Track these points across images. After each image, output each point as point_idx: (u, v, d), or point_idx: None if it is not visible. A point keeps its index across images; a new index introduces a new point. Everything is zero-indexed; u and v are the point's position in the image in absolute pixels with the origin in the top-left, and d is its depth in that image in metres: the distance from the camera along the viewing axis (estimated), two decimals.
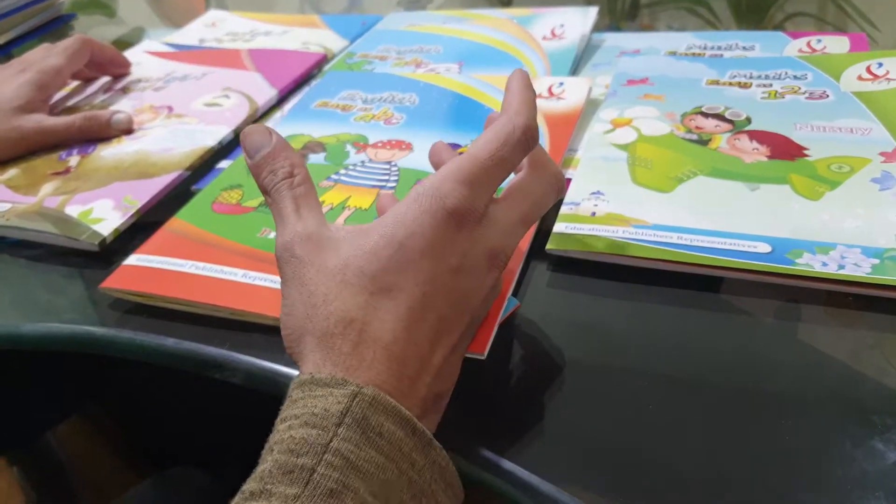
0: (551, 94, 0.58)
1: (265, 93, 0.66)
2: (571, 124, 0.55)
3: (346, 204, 0.50)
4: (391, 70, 0.69)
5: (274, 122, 0.64)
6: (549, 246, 0.44)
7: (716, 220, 0.44)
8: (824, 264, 0.40)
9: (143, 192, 0.54)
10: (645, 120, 0.54)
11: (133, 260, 0.48)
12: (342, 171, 0.53)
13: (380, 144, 0.56)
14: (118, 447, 0.85)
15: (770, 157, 0.48)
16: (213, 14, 0.91)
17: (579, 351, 0.40)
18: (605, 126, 0.55)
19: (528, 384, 0.38)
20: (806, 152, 0.48)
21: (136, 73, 0.74)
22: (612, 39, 0.70)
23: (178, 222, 0.51)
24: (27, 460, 0.82)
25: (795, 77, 0.57)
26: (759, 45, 0.64)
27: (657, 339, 0.39)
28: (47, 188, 0.56)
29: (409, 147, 0.55)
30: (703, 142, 0.51)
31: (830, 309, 0.39)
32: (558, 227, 0.46)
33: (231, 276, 0.45)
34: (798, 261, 0.40)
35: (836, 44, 0.62)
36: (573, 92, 0.58)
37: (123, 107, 0.68)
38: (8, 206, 0.55)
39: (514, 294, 0.43)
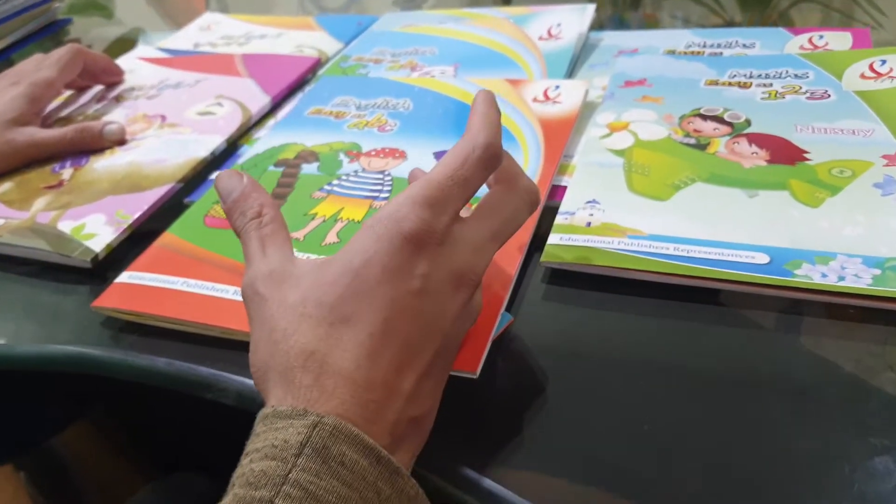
0: (547, 97, 0.57)
1: (258, 100, 0.66)
2: (567, 129, 0.54)
3: (338, 216, 0.49)
4: (386, 74, 0.68)
5: (267, 129, 0.63)
6: (543, 258, 0.44)
7: (713, 229, 0.43)
8: (824, 275, 0.39)
9: (136, 205, 0.54)
10: (642, 124, 0.54)
11: (124, 277, 0.47)
12: (335, 182, 0.53)
13: (373, 153, 0.55)
14: (124, 451, 0.85)
15: (769, 162, 0.47)
16: (208, 17, 0.90)
17: (574, 367, 0.39)
18: (602, 130, 0.54)
19: (519, 402, 0.38)
20: (806, 156, 0.47)
21: (129, 80, 0.74)
22: (609, 38, 0.69)
23: (170, 237, 0.50)
24: (33, 465, 0.82)
25: (796, 76, 0.56)
26: (759, 42, 0.63)
27: (654, 355, 0.39)
28: (40, 203, 0.56)
29: (402, 155, 0.54)
30: (702, 146, 0.50)
31: (831, 321, 0.39)
32: (553, 238, 0.45)
33: (222, 294, 0.44)
34: (797, 272, 0.39)
35: (839, 40, 0.61)
36: (569, 95, 0.57)
37: (117, 116, 0.67)
38: (1, 221, 0.55)
39: (508, 309, 0.42)
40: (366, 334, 0.31)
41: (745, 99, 0.54)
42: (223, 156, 0.61)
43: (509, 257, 0.43)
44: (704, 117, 0.53)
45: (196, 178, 0.58)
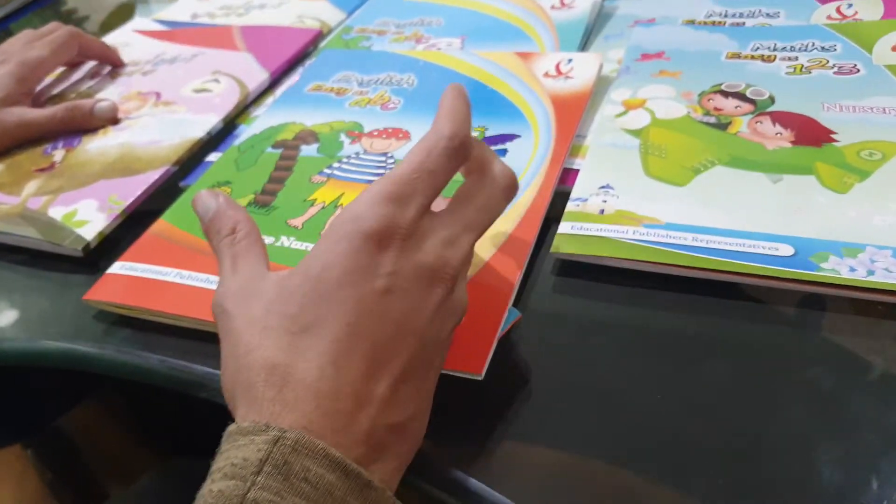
0: (559, 72, 0.55)
1: (256, 76, 0.63)
2: (580, 107, 0.51)
3: (339, 202, 0.47)
4: (389, 46, 0.65)
5: (265, 107, 0.60)
6: (553, 249, 0.41)
7: (734, 217, 0.41)
8: (852, 269, 0.36)
9: (129, 190, 0.52)
10: (659, 101, 0.51)
11: (117, 268, 0.45)
12: (335, 165, 0.50)
13: (375, 133, 0.53)
14: (133, 429, 0.84)
15: (794, 143, 0.45)
16: None
17: (584, 366, 0.37)
18: (617, 108, 0.51)
19: (526, 404, 0.36)
20: (834, 137, 0.44)
21: (124, 55, 0.71)
22: (625, 6, 0.66)
23: (164, 225, 0.48)
24: (41, 444, 0.82)
25: (823, 48, 0.52)
26: (784, 11, 0.59)
27: (671, 353, 0.37)
28: (31, 187, 0.54)
29: (406, 136, 0.52)
30: (723, 125, 0.47)
31: (858, 317, 0.36)
32: (563, 227, 0.42)
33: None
34: (823, 265, 0.37)
35: (869, 8, 0.57)
36: (582, 70, 0.54)
37: (111, 93, 0.65)
38: None
39: (516, 303, 0.40)
40: (329, 341, 0.30)
41: (768, 74, 0.51)
42: (220, 136, 0.58)
43: (517, 252, 0.41)
44: (725, 94, 0.50)
45: (192, 159, 0.56)
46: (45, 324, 0.46)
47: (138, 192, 0.51)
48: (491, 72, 0.56)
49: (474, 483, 0.33)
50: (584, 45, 0.61)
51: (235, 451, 0.27)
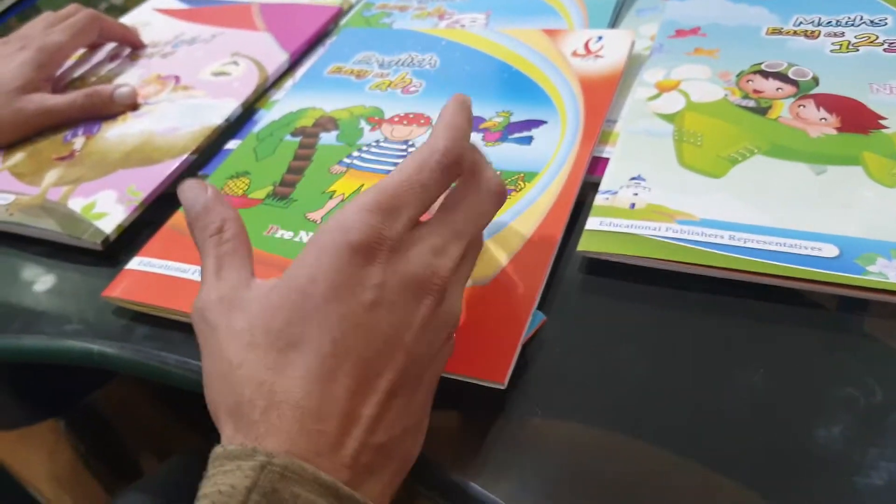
0: (588, 51, 0.52)
1: (276, 58, 0.61)
2: (611, 89, 0.49)
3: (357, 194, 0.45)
4: (411, 23, 0.63)
5: (285, 91, 0.59)
6: (580, 247, 0.39)
7: (774, 213, 0.38)
8: None
9: (148, 181, 0.51)
10: (695, 82, 0.48)
11: (135, 264, 0.45)
12: (355, 154, 0.48)
13: (396, 119, 0.51)
14: (168, 403, 0.84)
15: (840, 130, 0.42)
16: None
17: (610, 370, 0.35)
18: (649, 90, 0.48)
19: (546, 406, 0.34)
20: (882, 122, 0.42)
21: (144, 35, 0.70)
22: None
23: (183, 217, 0.47)
24: (74, 416, 0.82)
25: (872, 22, 0.49)
26: None
27: (706, 361, 0.35)
28: (51, 176, 0.53)
29: (427, 122, 0.50)
30: (762, 110, 0.45)
31: None
32: (591, 223, 0.40)
33: None
34: (870, 268, 0.34)
35: None
36: (613, 48, 0.52)
37: (130, 76, 0.64)
38: (12, 197, 0.53)
39: (541, 304, 0.38)
40: (315, 358, 0.28)
41: (812, 51, 0.48)
42: (239, 122, 0.57)
43: (542, 251, 0.39)
44: (766, 74, 0.47)
45: (210, 147, 0.55)
46: (65, 319, 0.45)
47: (156, 183, 0.51)
48: (517, 51, 0.54)
49: (474, 488, 0.32)
50: (614, 21, 0.58)
51: (222, 478, 0.26)
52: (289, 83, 0.60)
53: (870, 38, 0.48)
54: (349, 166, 0.48)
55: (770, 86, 0.46)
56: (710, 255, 0.37)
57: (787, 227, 0.37)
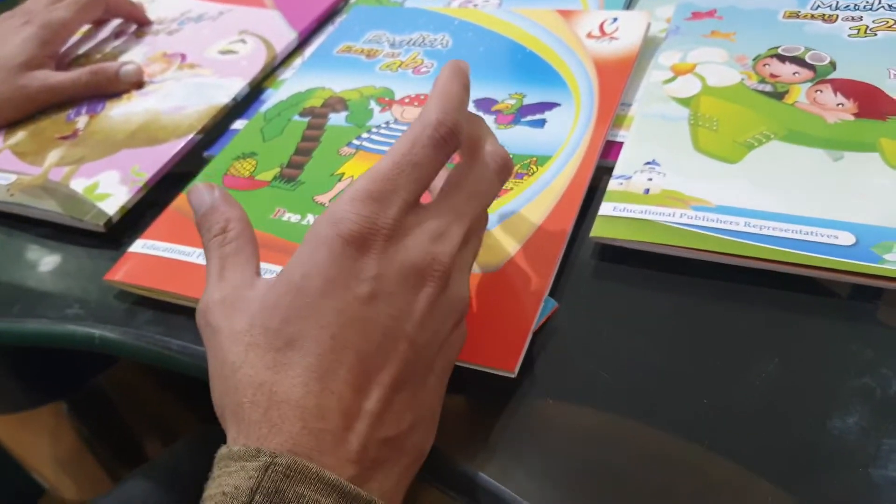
0: (603, 32, 0.51)
1: (284, 36, 0.60)
2: (626, 72, 0.48)
3: None
4: (423, 2, 0.62)
5: (293, 70, 0.58)
6: (593, 233, 0.39)
7: (790, 200, 0.38)
8: None
9: (152, 161, 0.50)
10: (711, 66, 0.47)
11: (138, 246, 0.44)
12: (364, 136, 0.48)
13: (407, 100, 0.50)
14: (172, 388, 0.84)
15: (857, 116, 0.41)
16: None
17: (622, 358, 0.35)
18: (665, 74, 0.48)
19: (556, 396, 0.34)
20: None
21: (150, 11, 0.69)
22: None
23: (185, 199, 0.46)
24: (78, 399, 0.82)
25: (891, 7, 0.48)
26: None
27: (720, 349, 0.34)
28: (53, 156, 0.53)
29: None
30: (779, 94, 0.44)
31: None
32: (605, 208, 0.40)
33: None
34: (887, 256, 0.34)
35: None
36: (628, 30, 0.51)
37: (136, 54, 0.63)
38: (13, 177, 0.52)
39: (553, 290, 0.38)
40: (314, 356, 0.28)
41: (829, 35, 0.47)
42: (246, 101, 0.56)
43: (554, 237, 0.38)
44: (783, 58, 0.46)
45: (216, 127, 0.54)
46: (67, 302, 0.45)
47: (161, 164, 0.50)
48: (530, 32, 0.53)
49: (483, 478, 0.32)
50: (630, 1, 0.57)
51: (227, 479, 0.26)
52: (297, 62, 0.59)
53: (888, 22, 0.47)
54: (359, 148, 0.47)
55: (787, 70, 0.45)
56: (725, 241, 0.36)
57: (803, 215, 0.37)
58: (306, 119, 0.50)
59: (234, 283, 0.31)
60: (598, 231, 0.39)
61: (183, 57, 0.60)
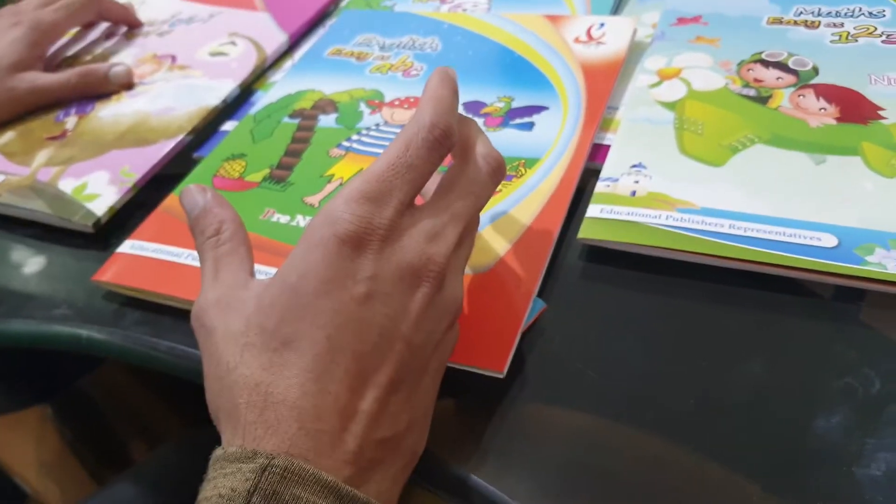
0: (590, 37, 0.52)
1: (275, 38, 0.60)
2: (612, 76, 0.48)
3: None
4: (413, 6, 0.62)
5: (283, 72, 0.58)
6: (580, 234, 0.39)
7: (774, 202, 0.38)
8: None
9: (141, 162, 0.50)
10: (696, 70, 0.48)
11: (126, 247, 0.44)
12: (354, 137, 0.48)
13: (397, 103, 0.50)
14: (159, 391, 0.84)
15: (839, 120, 0.42)
16: None
17: (610, 358, 0.35)
18: (651, 78, 0.48)
19: (544, 396, 0.34)
20: (881, 113, 0.42)
21: (141, 13, 0.69)
22: None
23: (175, 200, 0.47)
24: (62, 402, 0.82)
25: (871, 14, 0.49)
26: None
27: (702, 347, 0.35)
28: (42, 157, 0.53)
29: None
30: (763, 99, 0.45)
31: None
32: (592, 210, 0.40)
33: None
34: (868, 258, 0.35)
35: None
36: (615, 35, 0.51)
37: (126, 56, 0.63)
38: (1, 177, 0.52)
39: (541, 291, 0.38)
40: (310, 356, 0.28)
41: (812, 41, 0.48)
42: (235, 103, 0.56)
43: (542, 238, 0.39)
44: (766, 64, 0.47)
45: (206, 128, 0.54)
46: (54, 303, 0.45)
47: (151, 164, 0.50)
48: (519, 36, 0.53)
49: (474, 479, 0.32)
50: (617, 7, 0.58)
51: (223, 480, 0.26)
52: (287, 64, 0.59)
53: (869, 29, 0.48)
54: (348, 149, 0.47)
55: (770, 75, 0.46)
56: (711, 243, 0.37)
57: (787, 217, 0.37)
58: (296, 121, 0.51)
59: (228, 283, 0.32)
60: (585, 232, 0.39)
61: (173, 58, 0.60)
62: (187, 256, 0.42)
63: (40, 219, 0.49)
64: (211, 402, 0.30)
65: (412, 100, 0.50)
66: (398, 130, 0.48)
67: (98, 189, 0.49)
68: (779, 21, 0.50)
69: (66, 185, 0.50)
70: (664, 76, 0.48)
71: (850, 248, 0.35)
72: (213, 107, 0.54)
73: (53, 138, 0.55)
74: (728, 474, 0.30)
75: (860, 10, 0.50)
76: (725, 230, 0.37)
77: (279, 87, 0.55)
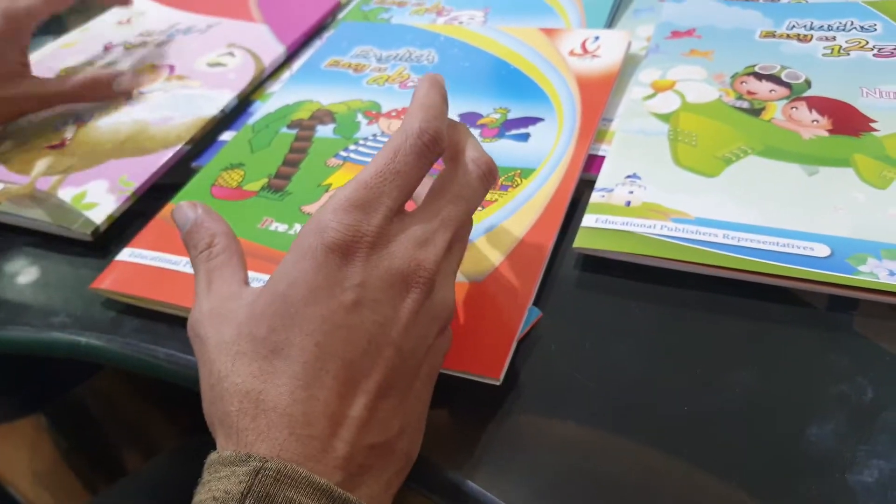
0: (585, 50, 0.52)
1: (272, 50, 0.61)
2: (607, 88, 0.49)
3: None
4: (410, 19, 0.63)
5: (281, 83, 0.59)
6: (576, 244, 0.40)
7: (767, 212, 0.39)
8: (892, 273, 0.34)
9: (140, 171, 0.50)
10: (690, 83, 0.48)
11: (125, 255, 0.44)
12: (352, 147, 0.49)
13: (394, 114, 0.51)
14: (154, 400, 0.83)
15: (832, 132, 0.42)
16: None
17: (605, 367, 0.35)
18: (645, 90, 0.49)
19: (540, 404, 0.34)
20: (873, 126, 0.42)
21: (139, 24, 0.69)
22: None
23: None
24: (57, 410, 0.81)
25: (862, 28, 0.50)
26: None
27: (696, 357, 0.35)
28: (41, 165, 0.53)
29: None
30: (756, 111, 0.45)
31: None
32: (587, 219, 0.41)
33: None
34: (861, 268, 0.35)
35: None
36: (610, 48, 0.52)
37: (124, 66, 0.63)
38: (1, 186, 0.52)
39: (537, 299, 0.38)
40: (299, 364, 0.28)
41: (804, 55, 0.49)
42: (234, 113, 0.57)
43: (538, 248, 0.39)
44: (759, 76, 0.48)
45: (205, 138, 0.54)
46: (53, 310, 0.45)
47: (149, 174, 0.50)
48: (515, 49, 0.54)
49: (470, 486, 0.32)
50: (611, 20, 0.58)
51: (217, 484, 0.26)
52: (285, 75, 0.60)
53: (860, 43, 0.48)
54: (346, 159, 0.48)
55: (763, 87, 0.47)
56: (705, 253, 0.37)
57: (780, 227, 0.38)
58: (294, 131, 0.51)
59: (221, 294, 0.32)
60: (580, 242, 0.40)
61: (171, 68, 0.61)
62: (185, 264, 0.42)
63: (40, 227, 0.49)
64: (206, 410, 0.30)
65: None
66: None
67: (97, 198, 0.49)
68: (772, 34, 0.51)
69: (66, 194, 0.50)
70: (658, 88, 0.49)
71: (843, 258, 0.36)
72: (212, 117, 0.55)
73: (53, 147, 0.55)
74: (722, 482, 0.31)
75: (852, 23, 0.50)
76: (719, 240, 0.38)
77: (277, 97, 0.55)
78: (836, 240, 0.36)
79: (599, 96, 0.48)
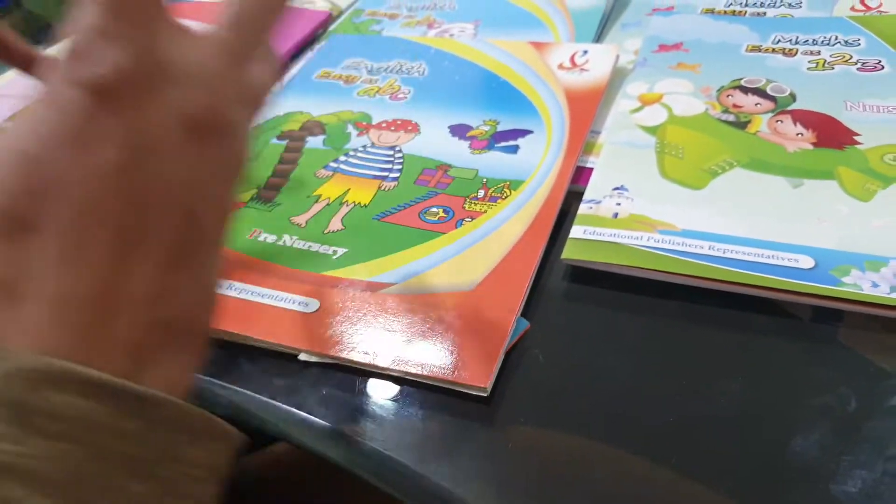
0: (574, 64, 0.53)
1: None
2: (595, 101, 0.49)
3: (343, 199, 0.45)
4: (401, 31, 0.64)
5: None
6: (564, 255, 0.40)
7: (752, 224, 0.39)
8: (875, 285, 0.35)
9: None
10: (677, 96, 0.49)
11: None
12: (342, 158, 0.49)
13: (384, 125, 0.51)
14: None
15: (816, 145, 0.43)
16: None
17: (593, 378, 0.36)
18: (633, 103, 0.49)
19: (528, 415, 0.35)
20: (857, 139, 0.43)
21: None
22: None
23: None
24: None
25: (846, 42, 0.50)
26: (806, 1, 0.57)
27: (683, 367, 0.35)
28: None
29: (415, 128, 0.50)
30: (742, 124, 0.46)
31: (882, 335, 0.35)
32: (575, 231, 0.41)
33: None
34: (845, 279, 0.35)
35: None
36: (598, 62, 0.53)
37: None
38: None
39: (525, 311, 0.39)
40: (59, 236, 0.22)
41: (789, 69, 0.49)
42: None
43: (526, 257, 0.40)
44: (745, 90, 0.48)
45: None
46: None
47: None
48: (504, 62, 0.54)
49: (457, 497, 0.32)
50: (600, 34, 0.59)
51: None
52: (276, 86, 0.60)
53: (844, 57, 0.49)
54: (336, 170, 0.48)
55: (749, 101, 0.47)
56: (691, 264, 0.38)
57: (765, 239, 0.38)
58: (284, 142, 0.51)
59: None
60: (568, 253, 0.40)
61: None
62: None
63: None
64: None
65: (399, 122, 0.51)
66: (385, 152, 0.49)
67: None
68: (757, 49, 0.52)
69: None
70: (646, 101, 0.49)
71: (827, 270, 0.36)
72: None
73: None
74: (709, 490, 0.31)
75: (836, 38, 0.51)
76: (705, 251, 0.38)
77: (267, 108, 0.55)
78: (821, 251, 0.37)
79: (588, 109, 0.49)
